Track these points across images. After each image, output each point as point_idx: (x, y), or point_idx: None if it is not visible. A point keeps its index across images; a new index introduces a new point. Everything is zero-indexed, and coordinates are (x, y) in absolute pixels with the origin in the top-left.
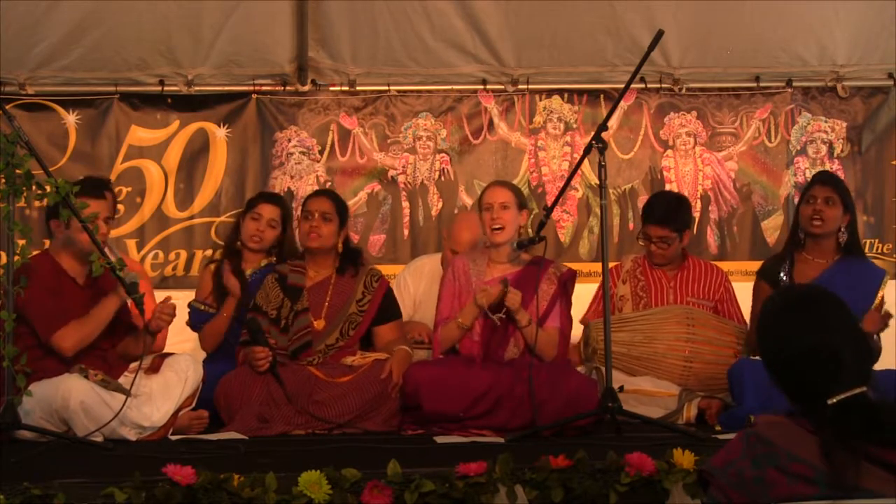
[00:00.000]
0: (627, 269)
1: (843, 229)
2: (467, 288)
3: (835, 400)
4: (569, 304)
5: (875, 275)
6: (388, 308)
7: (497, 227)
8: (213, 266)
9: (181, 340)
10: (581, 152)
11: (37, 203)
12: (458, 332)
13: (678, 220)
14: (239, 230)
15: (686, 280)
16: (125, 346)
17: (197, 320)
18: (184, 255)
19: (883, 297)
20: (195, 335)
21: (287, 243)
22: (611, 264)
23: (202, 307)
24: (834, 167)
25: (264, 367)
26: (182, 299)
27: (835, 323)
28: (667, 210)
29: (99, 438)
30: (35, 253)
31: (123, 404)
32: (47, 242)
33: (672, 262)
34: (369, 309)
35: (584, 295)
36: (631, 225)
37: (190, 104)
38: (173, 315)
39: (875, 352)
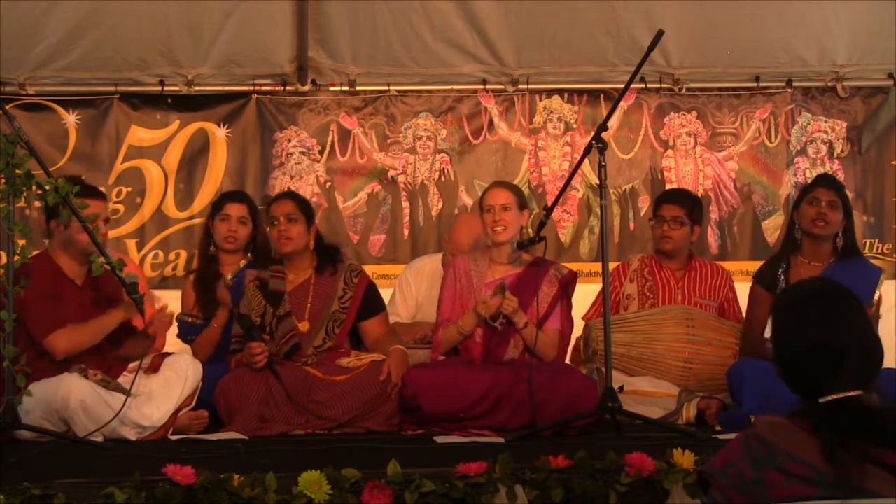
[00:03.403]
0: (635, 269)
1: (839, 233)
2: (468, 289)
3: (827, 399)
4: (569, 306)
5: (872, 273)
6: (371, 302)
7: (499, 227)
8: (192, 277)
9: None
10: (581, 152)
11: (36, 203)
12: (458, 336)
13: (693, 205)
14: (210, 235)
15: (693, 280)
16: (126, 349)
17: (186, 333)
18: (184, 255)
19: (880, 296)
20: None
21: (260, 239)
22: (616, 263)
23: (189, 319)
24: (834, 167)
25: (262, 362)
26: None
27: (847, 321)
28: (683, 192)
29: (99, 438)
30: (34, 253)
31: (123, 404)
32: (47, 242)
33: (679, 253)
34: (351, 305)
35: (584, 295)
36: (632, 225)
37: (190, 104)
38: (170, 324)
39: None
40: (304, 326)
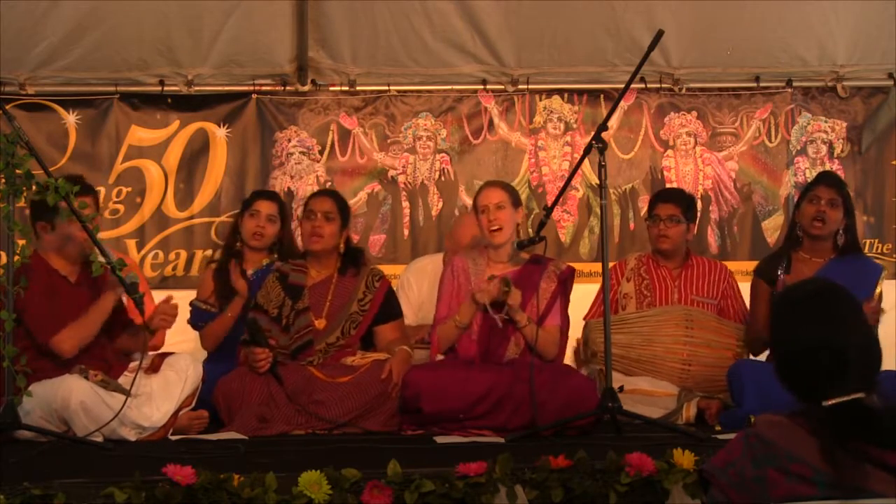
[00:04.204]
0: (632, 267)
1: (841, 231)
2: (466, 287)
3: (831, 403)
4: (567, 302)
5: (872, 270)
6: (389, 307)
7: (495, 227)
8: (213, 266)
9: (181, 340)
10: (581, 152)
11: (21, 204)
12: (455, 330)
13: (688, 203)
14: (238, 231)
15: (690, 278)
16: (123, 342)
17: (198, 319)
18: (184, 255)
19: (881, 293)
20: (195, 335)
21: (286, 239)
22: (612, 263)
23: (204, 306)
24: (834, 167)
25: (264, 367)
26: (182, 299)
27: (847, 322)
28: (678, 191)
29: (99, 438)
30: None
31: (123, 404)
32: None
33: (677, 252)
34: (370, 308)
35: (584, 295)
36: (632, 225)
37: (190, 104)
38: (175, 315)
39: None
40: (320, 324)
